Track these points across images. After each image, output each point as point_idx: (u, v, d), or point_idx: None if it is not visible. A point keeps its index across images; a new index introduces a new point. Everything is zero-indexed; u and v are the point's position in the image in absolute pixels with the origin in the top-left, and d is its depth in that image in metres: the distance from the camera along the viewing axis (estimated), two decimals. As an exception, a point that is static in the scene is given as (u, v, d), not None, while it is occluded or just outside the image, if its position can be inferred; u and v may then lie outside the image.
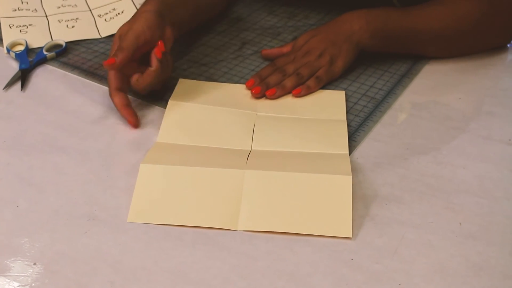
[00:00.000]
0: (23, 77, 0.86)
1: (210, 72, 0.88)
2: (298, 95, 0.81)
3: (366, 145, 0.73)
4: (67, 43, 0.94)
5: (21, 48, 0.93)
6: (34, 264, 0.58)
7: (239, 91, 0.83)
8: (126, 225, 0.62)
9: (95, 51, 0.94)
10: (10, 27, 0.98)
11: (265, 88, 0.81)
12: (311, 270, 0.57)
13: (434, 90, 0.85)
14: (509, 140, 0.74)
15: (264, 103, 0.80)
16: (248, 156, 0.69)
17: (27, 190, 0.66)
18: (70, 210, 0.64)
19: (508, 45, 0.94)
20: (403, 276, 0.57)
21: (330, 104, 0.80)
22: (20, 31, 0.97)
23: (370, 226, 0.62)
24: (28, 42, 0.94)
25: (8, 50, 0.92)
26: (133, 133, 0.75)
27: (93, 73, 0.88)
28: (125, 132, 0.75)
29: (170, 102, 0.78)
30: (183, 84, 0.83)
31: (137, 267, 0.57)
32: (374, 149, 0.73)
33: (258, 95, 0.80)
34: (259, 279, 0.56)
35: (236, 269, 0.57)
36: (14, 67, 0.89)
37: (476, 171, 0.69)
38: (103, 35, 0.98)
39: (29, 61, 0.89)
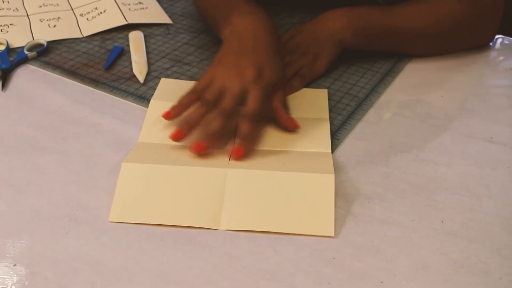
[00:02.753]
0: (4, 77, 0.85)
1: (192, 71, 0.88)
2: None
3: (349, 144, 0.73)
4: (48, 42, 0.94)
5: (1, 47, 0.92)
6: (14, 265, 0.57)
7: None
8: (108, 226, 0.62)
9: (77, 51, 0.93)
10: (-9, 26, 0.97)
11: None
12: (293, 269, 0.57)
13: (417, 88, 0.85)
14: (491, 138, 0.75)
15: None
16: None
17: (7, 191, 0.66)
18: (51, 210, 0.63)
19: (491, 44, 0.95)
20: (385, 274, 0.57)
21: (313, 102, 0.80)
22: (1, 30, 0.96)
23: (352, 224, 0.62)
24: (9, 41, 0.93)
25: (-11, 50, 0.91)
26: (114, 133, 0.75)
27: (75, 72, 0.87)
28: (106, 132, 0.75)
29: (152, 101, 0.78)
30: (165, 83, 0.83)
31: (118, 267, 0.57)
32: (357, 148, 0.73)
33: None
34: (241, 278, 0.56)
35: (218, 268, 0.57)
36: (-6, 66, 0.88)
37: (458, 169, 0.70)
38: (85, 34, 0.98)
39: (10, 61, 0.88)
